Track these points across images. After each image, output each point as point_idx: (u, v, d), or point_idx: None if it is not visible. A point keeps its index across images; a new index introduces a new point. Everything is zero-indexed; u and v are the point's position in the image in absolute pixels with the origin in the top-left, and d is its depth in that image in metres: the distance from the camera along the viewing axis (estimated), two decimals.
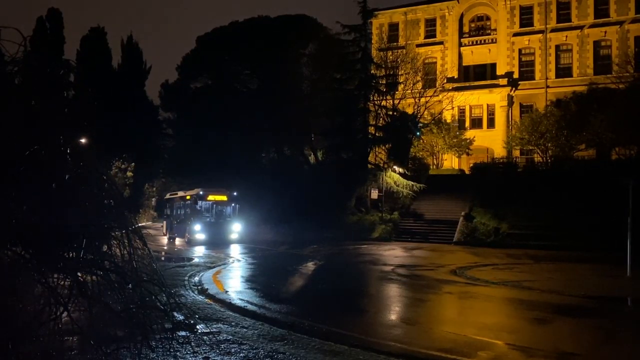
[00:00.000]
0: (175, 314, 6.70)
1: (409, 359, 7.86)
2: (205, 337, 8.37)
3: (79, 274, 5.54)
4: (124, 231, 5.89)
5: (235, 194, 32.07)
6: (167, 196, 39.62)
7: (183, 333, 8.27)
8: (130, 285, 5.65)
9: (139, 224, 6.74)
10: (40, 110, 6.18)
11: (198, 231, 30.31)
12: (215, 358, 7.41)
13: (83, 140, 6.91)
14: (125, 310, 5.64)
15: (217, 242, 29.35)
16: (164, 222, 38.88)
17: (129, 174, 50.43)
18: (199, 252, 25.95)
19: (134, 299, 5.68)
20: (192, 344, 7.91)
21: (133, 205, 48.16)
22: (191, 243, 30.12)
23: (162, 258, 23.20)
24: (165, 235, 36.92)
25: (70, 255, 5.67)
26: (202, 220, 30.86)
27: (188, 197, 32.62)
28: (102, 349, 5.64)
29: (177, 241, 33.21)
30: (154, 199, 62.16)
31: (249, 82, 51.55)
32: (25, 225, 5.53)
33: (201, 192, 31.28)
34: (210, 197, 31.55)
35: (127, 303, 5.65)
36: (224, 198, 31.86)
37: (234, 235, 31.16)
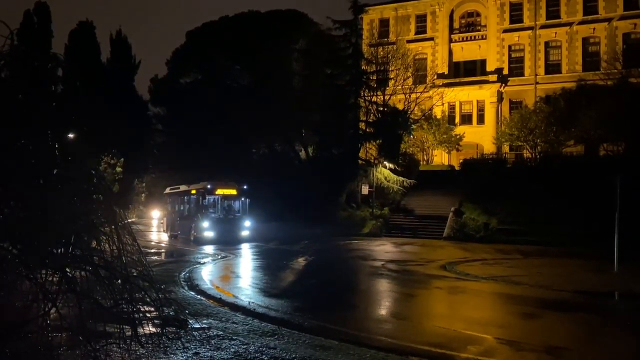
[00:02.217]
0: (165, 309, 6.68)
1: (400, 354, 7.89)
2: (195, 333, 8.36)
3: (67, 269, 5.49)
4: (113, 227, 5.85)
5: (245, 187, 29.71)
6: (168, 191, 36.95)
7: (173, 329, 8.25)
8: (119, 281, 5.61)
9: (128, 220, 6.69)
10: (27, 105, 6.12)
11: (206, 229, 27.94)
12: (205, 353, 7.40)
13: (71, 135, 6.85)
14: (114, 306, 5.62)
15: (227, 241, 27.18)
16: (164, 218, 36.82)
17: (118, 169, 50.08)
18: (193, 249, 25.87)
19: (124, 294, 5.65)
20: (182, 339, 7.89)
21: (122, 201, 47.82)
22: (198, 242, 27.89)
23: (161, 255, 23.08)
24: (165, 232, 35.15)
25: (59, 250, 5.63)
26: (210, 216, 28.48)
27: (193, 192, 30.28)
28: (91, 345, 5.61)
29: (181, 239, 31.10)
30: (143, 195, 61.89)
31: (239, 77, 51.34)
32: (13, 221, 5.48)
33: (209, 186, 28.78)
34: (219, 191, 29.12)
35: (117, 299, 5.62)
36: (234, 192, 29.51)
37: (245, 233, 28.82)
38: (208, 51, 49.32)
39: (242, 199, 29.74)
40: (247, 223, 29.30)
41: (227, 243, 26.67)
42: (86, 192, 5.97)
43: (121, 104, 48.21)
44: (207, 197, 28.84)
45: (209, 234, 27.86)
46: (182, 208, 33.17)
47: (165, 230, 35.66)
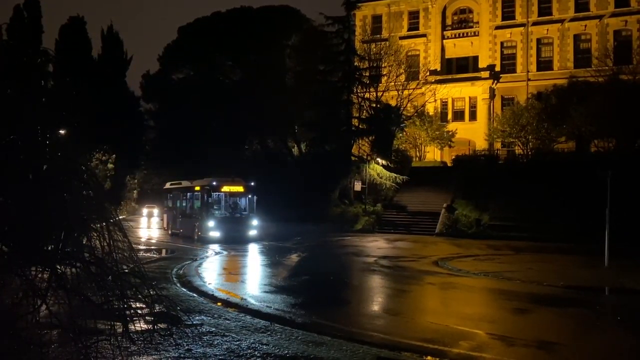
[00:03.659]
0: (157, 306, 6.65)
1: (392, 349, 7.91)
2: (187, 330, 8.33)
3: (57, 266, 5.45)
4: (104, 223, 5.81)
5: (252, 183, 28.12)
6: (168, 186, 34.93)
7: (165, 325, 8.22)
8: (110, 277, 5.58)
9: (119, 217, 6.63)
10: (17, 100, 6.05)
11: (211, 228, 26.42)
12: (197, 350, 7.38)
13: (62, 131, 6.79)
14: (105, 303, 5.58)
15: (234, 241, 25.76)
16: (164, 215, 35.12)
17: (110, 165, 49.80)
18: (188, 246, 25.79)
19: (115, 291, 5.62)
20: (175, 336, 7.86)
21: (114, 197, 47.59)
22: (203, 241, 26.32)
23: (152, 252, 22.98)
24: (166, 230, 33.54)
25: (49, 247, 5.58)
26: (216, 215, 26.94)
27: (197, 188, 28.71)
28: (82, 342, 5.57)
29: (183, 238, 29.26)
30: (135, 191, 61.63)
31: (231, 73, 51.21)
32: (2, 217, 5.43)
33: (214, 183, 27.20)
34: (225, 188, 27.43)
35: (107, 295, 5.58)
36: (240, 189, 27.82)
37: (252, 232, 27.29)
38: (200, 47, 49.12)
39: (249, 196, 28.07)
40: (255, 222, 27.80)
41: (234, 243, 25.39)
42: (77, 189, 5.92)
43: (113, 100, 47.89)
44: (212, 194, 27.20)
45: (215, 234, 26.43)
46: (184, 205, 31.57)
47: (165, 228, 34.10)
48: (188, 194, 30.81)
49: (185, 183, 31.62)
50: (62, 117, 6.68)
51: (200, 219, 27.64)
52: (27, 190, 5.49)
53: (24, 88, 6.32)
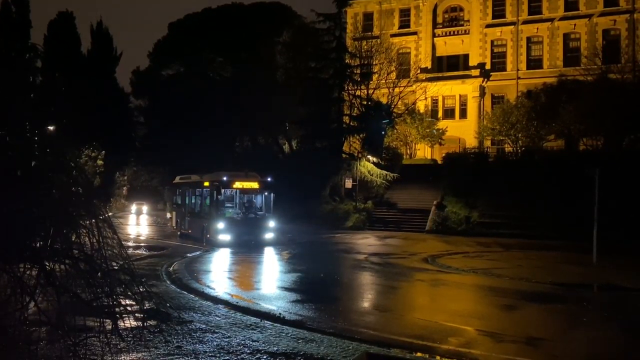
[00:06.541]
0: (146, 303, 6.63)
1: (382, 346, 7.95)
2: (177, 327, 8.31)
3: (46, 263, 5.42)
4: (93, 220, 5.77)
5: (269, 179, 25.32)
6: (177, 180, 31.88)
7: (155, 322, 8.20)
8: (99, 274, 5.55)
9: (109, 213, 6.60)
10: (4, 96, 6.00)
11: (221, 230, 23.64)
12: (187, 347, 7.37)
13: (51, 127, 6.75)
14: (94, 300, 5.55)
15: (248, 245, 23.29)
16: (173, 213, 32.33)
17: (99, 162, 49.41)
18: (176, 243, 25.69)
19: (104, 288, 5.59)
20: (165, 333, 7.85)
21: (103, 194, 47.24)
22: (212, 244, 23.66)
23: (140, 249, 22.87)
24: (174, 229, 30.95)
25: (38, 244, 5.54)
26: (227, 215, 24.26)
27: (206, 184, 25.87)
28: (71, 339, 5.55)
29: (192, 239, 26.25)
30: (125, 188, 61.29)
31: (222, 69, 51.08)
32: None
33: (225, 178, 24.30)
34: (237, 184, 24.49)
35: (97, 292, 5.56)
36: (255, 185, 24.89)
37: (268, 235, 24.40)
38: (190, 43, 48.95)
39: (266, 193, 25.20)
40: (272, 223, 24.90)
41: (248, 247, 23.03)
42: (65, 185, 5.89)
43: (102, 96, 47.53)
44: (222, 192, 24.29)
45: (225, 237, 23.68)
46: (193, 202, 28.69)
47: (173, 227, 31.51)
48: (197, 190, 27.88)
49: (194, 177, 28.69)
50: (51, 113, 6.63)
51: (209, 219, 24.73)
52: (15, 187, 5.45)
53: (12, 83, 6.27)
